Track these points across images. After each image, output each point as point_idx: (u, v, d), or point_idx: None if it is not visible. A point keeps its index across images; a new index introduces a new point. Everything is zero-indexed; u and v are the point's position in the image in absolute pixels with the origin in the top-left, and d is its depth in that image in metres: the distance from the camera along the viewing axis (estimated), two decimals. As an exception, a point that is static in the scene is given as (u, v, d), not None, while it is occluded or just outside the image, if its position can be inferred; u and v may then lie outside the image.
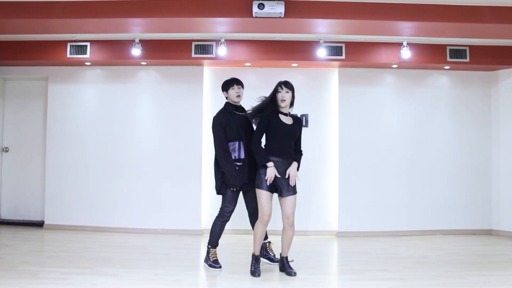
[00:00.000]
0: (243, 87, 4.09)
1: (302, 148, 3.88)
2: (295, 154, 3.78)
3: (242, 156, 3.87)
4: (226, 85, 4.07)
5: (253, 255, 3.79)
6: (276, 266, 4.00)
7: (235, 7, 4.38)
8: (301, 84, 5.81)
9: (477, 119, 5.90)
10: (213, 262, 3.98)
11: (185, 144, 5.74)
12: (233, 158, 3.86)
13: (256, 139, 3.70)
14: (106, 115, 5.83)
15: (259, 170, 3.67)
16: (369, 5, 4.39)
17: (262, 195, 3.64)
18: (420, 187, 5.78)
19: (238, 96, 4.02)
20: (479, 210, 5.84)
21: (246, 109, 3.93)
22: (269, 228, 3.94)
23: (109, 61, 5.69)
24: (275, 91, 3.76)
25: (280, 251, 3.83)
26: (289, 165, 3.70)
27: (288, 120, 3.77)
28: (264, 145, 3.74)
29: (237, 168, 3.83)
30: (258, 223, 3.70)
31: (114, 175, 5.76)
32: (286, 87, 3.74)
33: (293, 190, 3.69)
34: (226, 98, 4.09)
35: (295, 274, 3.73)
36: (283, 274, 3.77)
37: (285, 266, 3.80)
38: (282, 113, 3.77)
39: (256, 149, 3.68)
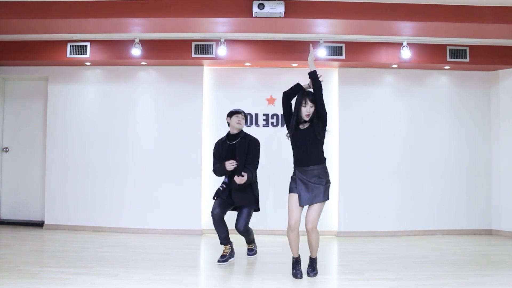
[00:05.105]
0: (245, 118, 4.35)
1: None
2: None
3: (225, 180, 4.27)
4: (231, 113, 4.29)
5: (293, 258, 3.72)
6: (278, 266, 4.00)
7: (235, 7, 4.39)
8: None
9: (477, 119, 5.90)
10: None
11: (185, 144, 5.74)
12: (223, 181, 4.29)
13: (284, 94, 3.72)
14: (106, 115, 5.83)
15: (291, 176, 3.71)
16: (369, 5, 4.39)
17: (288, 198, 3.64)
18: (420, 187, 5.78)
19: (239, 123, 4.24)
20: (479, 210, 5.83)
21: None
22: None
23: (109, 61, 5.69)
24: (300, 104, 3.57)
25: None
26: (313, 173, 3.57)
27: (305, 124, 3.65)
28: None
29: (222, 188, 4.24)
30: (287, 228, 3.63)
31: (114, 175, 5.76)
32: (311, 101, 3.56)
33: (316, 199, 3.57)
34: (228, 124, 4.32)
35: (301, 276, 3.64)
36: (283, 275, 3.76)
37: (308, 266, 3.77)
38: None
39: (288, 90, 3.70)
